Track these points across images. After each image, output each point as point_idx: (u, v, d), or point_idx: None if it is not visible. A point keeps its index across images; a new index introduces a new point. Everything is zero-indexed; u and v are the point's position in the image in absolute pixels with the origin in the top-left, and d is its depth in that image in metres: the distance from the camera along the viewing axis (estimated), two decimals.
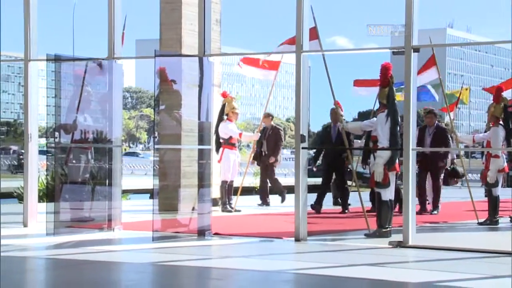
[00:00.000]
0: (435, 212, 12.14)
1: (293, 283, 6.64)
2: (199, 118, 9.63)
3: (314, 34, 9.65)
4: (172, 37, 12.23)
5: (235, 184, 12.88)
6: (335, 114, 12.12)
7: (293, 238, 8.93)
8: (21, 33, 10.26)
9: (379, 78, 9.23)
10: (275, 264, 7.54)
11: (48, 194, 11.42)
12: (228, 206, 12.52)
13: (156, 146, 10.63)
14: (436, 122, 12.40)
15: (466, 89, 16.18)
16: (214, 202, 11.73)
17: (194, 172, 10.45)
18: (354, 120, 14.27)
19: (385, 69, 9.10)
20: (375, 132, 9.54)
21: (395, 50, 8.85)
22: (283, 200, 13.76)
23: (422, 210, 12.02)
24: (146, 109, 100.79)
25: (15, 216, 10.88)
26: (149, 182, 10.48)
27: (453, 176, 12.56)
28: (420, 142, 11.84)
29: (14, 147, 54.11)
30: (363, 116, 14.73)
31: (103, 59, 10.05)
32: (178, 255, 8.03)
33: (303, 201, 8.94)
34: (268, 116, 14.05)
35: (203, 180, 9.58)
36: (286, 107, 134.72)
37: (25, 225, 10.17)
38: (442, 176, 12.34)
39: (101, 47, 10.19)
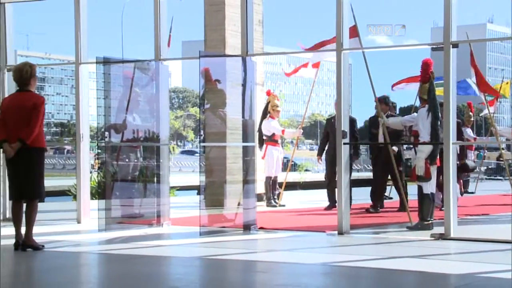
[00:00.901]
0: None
1: (337, 276, 6.61)
2: (243, 116, 9.65)
3: (354, 32, 9.59)
4: (216, 38, 12.28)
5: (279, 180, 12.89)
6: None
7: (336, 232, 8.90)
8: (72, 38, 10.40)
9: (419, 74, 9.16)
10: (319, 257, 7.53)
11: (100, 192, 11.60)
12: (272, 201, 12.53)
13: (202, 144, 10.67)
14: None
15: (507, 83, 15.94)
16: (259, 198, 11.75)
17: (239, 169, 10.47)
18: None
19: (426, 65, 9.02)
20: (416, 127, 9.46)
21: (434, 46, 8.75)
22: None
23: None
24: (192, 108, 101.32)
25: (69, 213, 11.06)
26: (196, 179, 10.63)
27: (463, 171, 11.76)
28: None
29: (67, 147, 54.99)
30: (405, 111, 14.56)
31: (150, 61, 10.13)
32: (225, 249, 8.06)
33: (345, 195, 8.91)
34: None
35: (247, 176, 9.61)
36: (328, 103, 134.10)
37: (78, 222, 10.31)
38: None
39: (149, 49, 10.27)
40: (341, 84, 8.93)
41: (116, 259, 7.44)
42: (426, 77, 9.02)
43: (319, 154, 12.69)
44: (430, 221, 9.05)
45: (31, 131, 7.53)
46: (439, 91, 9.48)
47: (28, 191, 7.63)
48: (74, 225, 10.14)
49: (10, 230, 8.02)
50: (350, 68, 9.54)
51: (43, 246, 7.74)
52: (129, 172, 10.43)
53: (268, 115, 12.53)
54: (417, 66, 9.16)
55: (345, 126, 8.96)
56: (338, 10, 8.90)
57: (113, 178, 10.19)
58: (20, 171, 7.60)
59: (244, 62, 9.54)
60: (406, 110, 14.21)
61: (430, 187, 9.05)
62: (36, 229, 7.79)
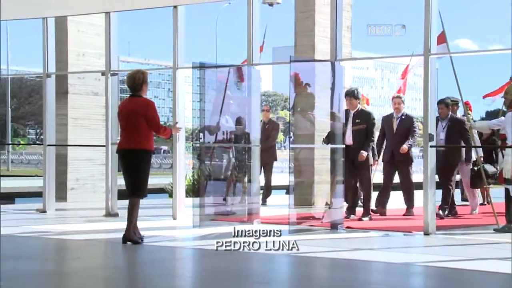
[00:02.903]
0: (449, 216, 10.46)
1: (422, 275, 6.48)
2: (331, 119, 9.60)
3: (442, 38, 9.39)
4: (306, 43, 12.25)
5: None
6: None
7: (422, 232, 8.73)
8: (169, 44, 10.61)
9: (511, 77, 8.87)
10: (404, 256, 7.40)
11: (194, 190, 11.77)
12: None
13: (291, 146, 10.69)
14: (450, 113, 10.58)
15: None
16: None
17: (327, 170, 10.42)
18: (482, 119, 13.68)
19: None
20: (503, 130, 9.17)
21: None
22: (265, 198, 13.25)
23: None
24: (281, 111, 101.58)
25: (165, 209, 11.28)
26: (285, 178, 10.69)
27: (481, 177, 10.09)
28: None
29: (164, 147, 56.11)
30: (491, 115, 14.12)
31: (242, 66, 10.22)
32: (312, 247, 8.01)
33: (432, 196, 8.73)
34: (268, 110, 13.66)
35: (335, 177, 9.54)
36: (414, 107, 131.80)
37: (174, 218, 10.49)
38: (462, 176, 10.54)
39: (241, 54, 10.38)
40: (428, 88, 8.77)
41: (209, 254, 7.52)
42: None
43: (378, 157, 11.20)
44: None
45: (158, 130, 7.86)
46: None
47: (133, 190, 7.84)
48: (170, 221, 10.33)
49: (109, 224, 8.25)
50: (437, 73, 9.32)
51: (142, 240, 7.92)
52: (221, 171, 10.54)
53: None
54: (502, 71, 8.88)
55: (431, 129, 8.78)
56: (426, 16, 8.74)
57: (207, 177, 10.33)
58: (128, 171, 7.85)
59: (333, 67, 9.48)
60: (493, 114, 13.78)
61: None
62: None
